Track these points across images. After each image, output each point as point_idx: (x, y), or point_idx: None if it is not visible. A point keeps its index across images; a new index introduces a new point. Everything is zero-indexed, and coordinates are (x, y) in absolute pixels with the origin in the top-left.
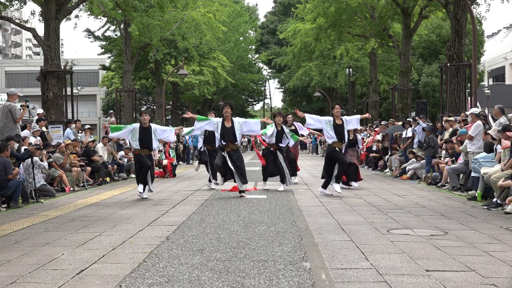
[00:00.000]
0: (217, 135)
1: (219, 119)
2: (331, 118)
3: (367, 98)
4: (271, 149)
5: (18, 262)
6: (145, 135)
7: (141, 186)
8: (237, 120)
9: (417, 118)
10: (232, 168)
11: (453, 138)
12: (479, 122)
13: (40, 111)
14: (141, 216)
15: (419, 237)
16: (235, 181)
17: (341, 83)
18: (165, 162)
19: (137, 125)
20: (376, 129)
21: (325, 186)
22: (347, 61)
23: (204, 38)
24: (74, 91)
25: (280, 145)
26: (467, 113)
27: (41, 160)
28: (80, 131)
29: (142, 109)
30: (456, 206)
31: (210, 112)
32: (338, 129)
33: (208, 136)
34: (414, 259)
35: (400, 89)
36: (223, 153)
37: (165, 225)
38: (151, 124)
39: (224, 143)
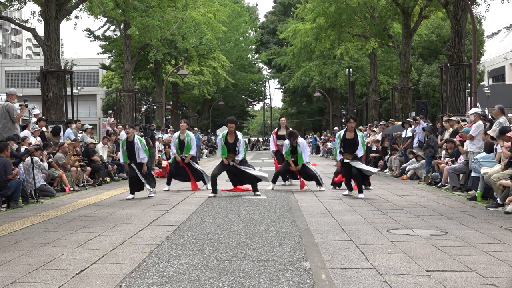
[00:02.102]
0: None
1: (222, 135)
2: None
3: (367, 98)
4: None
5: (18, 262)
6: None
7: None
8: (240, 137)
9: (417, 118)
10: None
11: (456, 136)
12: (480, 122)
13: (37, 111)
14: (141, 216)
15: (419, 237)
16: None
17: (341, 83)
18: (164, 163)
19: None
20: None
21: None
22: (347, 61)
23: (204, 38)
24: (74, 91)
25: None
26: (469, 113)
27: (41, 160)
28: (80, 131)
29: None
30: (456, 206)
31: (182, 120)
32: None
33: None
34: (414, 259)
35: (400, 89)
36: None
37: (165, 225)
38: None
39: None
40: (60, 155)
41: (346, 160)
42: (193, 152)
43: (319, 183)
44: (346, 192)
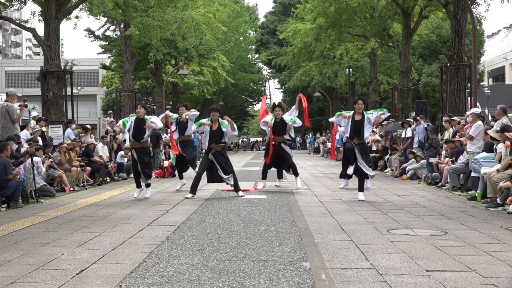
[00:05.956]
0: (206, 139)
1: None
2: (351, 113)
3: (367, 98)
4: (274, 143)
5: (18, 262)
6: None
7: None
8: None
9: (418, 118)
10: (218, 168)
11: (457, 136)
12: (479, 122)
13: (36, 113)
14: (141, 216)
15: (419, 237)
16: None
17: (341, 83)
18: (166, 163)
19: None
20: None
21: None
22: (347, 61)
23: (204, 38)
24: (74, 91)
25: (286, 137)
26: (467, 113)
27: (43, 163)
28: (81, 134)
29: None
30: (456, 206)
31: (181, 106)
32: (356, 125)
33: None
34: (414, 259)
35: (400, 89)
36: (208, 155)
37: (165, 225)
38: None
39: (210, 145)
40: (56, 154)
41: (352, 146)
42: None
43: (296, 174)
44: (342, 184)
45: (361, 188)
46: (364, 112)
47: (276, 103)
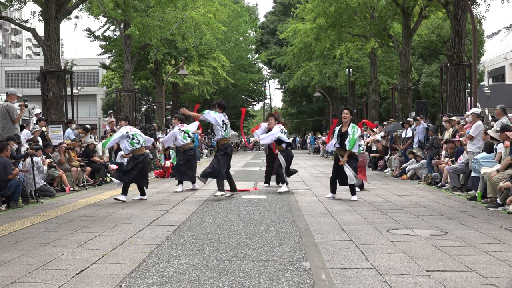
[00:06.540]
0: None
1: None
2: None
3: (367, 98)
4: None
5: (18, 262)
6: None
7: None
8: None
9: (418, 118)
10: None
11: (457, 135)
12: (479, 122)
13: (38, 111)
14: (141, 216)
15: (419, 237)
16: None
17: (341, 83)
18: (167, 164)
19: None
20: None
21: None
22: (347, 61)
23: (204, 38)
24: (74, 91)
25: (283, 145)
26: (467, 113)
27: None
28: (81, 134)
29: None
30: (456, 206)
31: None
32: (342, 137)
33: None
34: (414, 259)
35: (400, 89)
36: None
37: (165, 225)
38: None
39: None
40: (56, 154)
41: (340, 158)
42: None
43: (283, 181)
44: (329, 195)
45: (353, 192)
46: (351, 125)
47: (271, 113)
